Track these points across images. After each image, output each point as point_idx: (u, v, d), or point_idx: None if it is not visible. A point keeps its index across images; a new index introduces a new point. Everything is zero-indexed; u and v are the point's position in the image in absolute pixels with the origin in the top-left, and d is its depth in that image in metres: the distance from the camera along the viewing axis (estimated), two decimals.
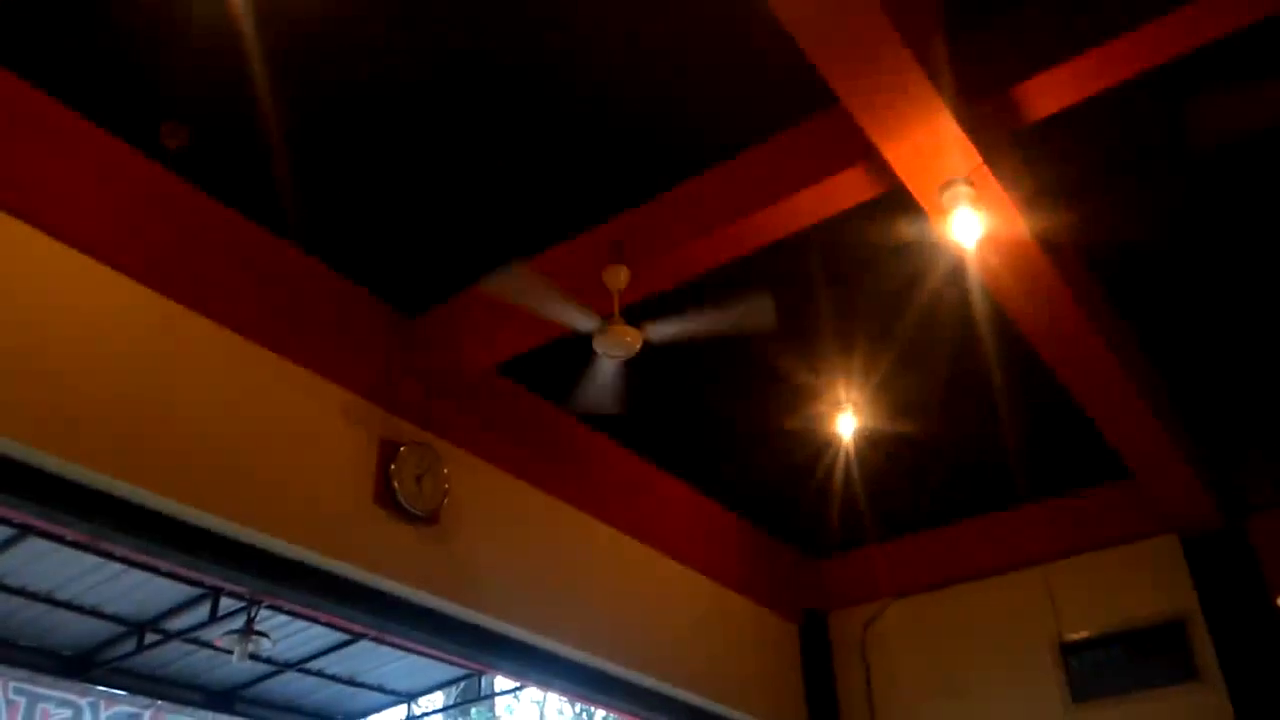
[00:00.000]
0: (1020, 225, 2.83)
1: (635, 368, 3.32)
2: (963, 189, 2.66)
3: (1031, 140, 2.84)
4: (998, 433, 4.17)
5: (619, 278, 3.02)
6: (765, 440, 4.28)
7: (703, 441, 4.37)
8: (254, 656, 6.15)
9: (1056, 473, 4.50)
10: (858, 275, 3.40)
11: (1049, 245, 2.94)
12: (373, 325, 3.38)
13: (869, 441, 4.19)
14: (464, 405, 3.61)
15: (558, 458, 4.00)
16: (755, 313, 2.98)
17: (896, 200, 2.87)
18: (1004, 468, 4.45)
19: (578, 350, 3.17)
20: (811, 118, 2.84)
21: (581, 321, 3.03)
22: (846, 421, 3.97)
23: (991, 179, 2.68)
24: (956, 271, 3.16)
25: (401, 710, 8.47)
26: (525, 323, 3.19)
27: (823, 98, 2.65)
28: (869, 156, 2.69)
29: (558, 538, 3.86)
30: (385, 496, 3.19)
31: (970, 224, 2.69)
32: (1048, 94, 2.57)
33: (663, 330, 2.96)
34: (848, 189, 2.81)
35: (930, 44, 2.43)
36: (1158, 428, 3.60)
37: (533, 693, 12.06)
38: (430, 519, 3.31)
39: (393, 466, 3.21)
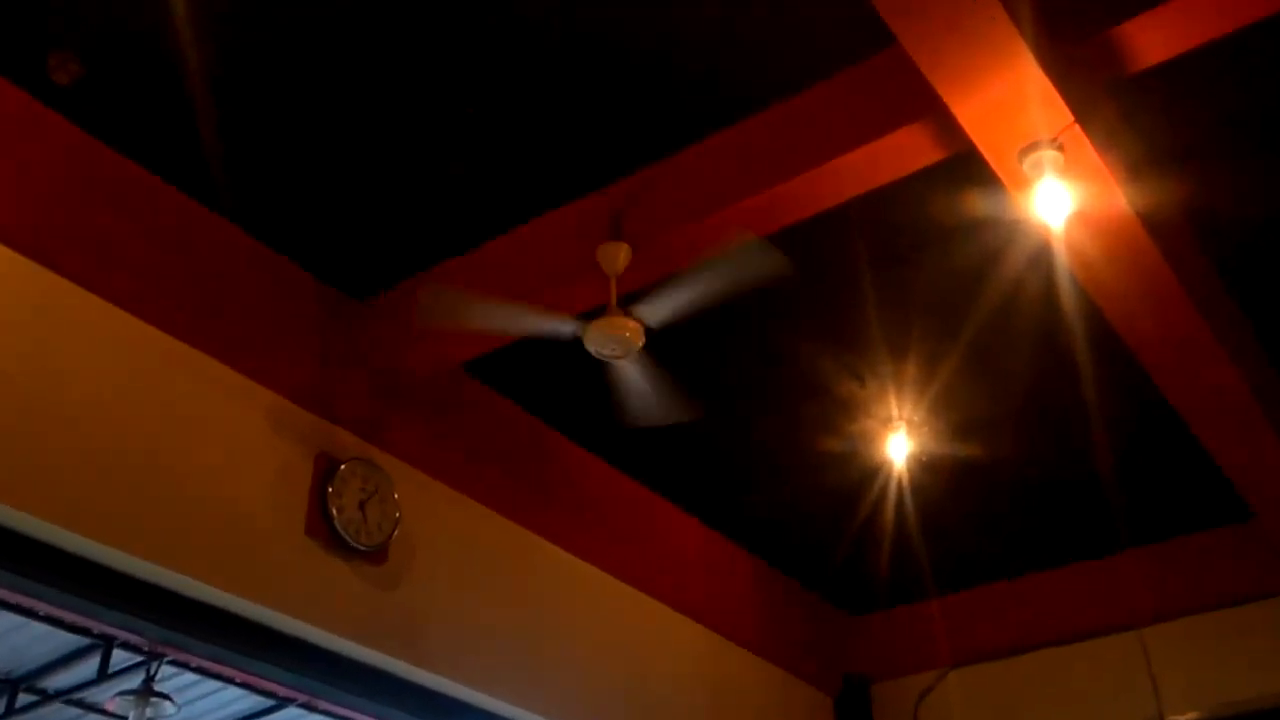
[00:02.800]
0: (1119, 199, 2.82)
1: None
2: (1049, 154, 2.66)
3: (1134, 95, 2.85)
4: (1086, 460, 4.17)
5: (617, 258, 3.01)
6: (796, 466, 4.28)
7: (718, 466, 4.37)
8: None
9: (1159, 511, 4.50)
10: (915, 260, 3.41)
11: (1155, 224, 2.94)
12: (310, 312, 3.39)
13: (926, 468, 4.18)
14: (421, 413, 3.62)
15: (538, 482, 4.01)
16: (759, 262, 2.93)
17: (965, 167, 2.87)
18: (1094, 504, 4.45)
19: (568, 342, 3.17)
20: (861, 63, 2.84)
21: (556, 327, 3.02)
22: (899, 443, 3.97)
23: (1085, 142, 2.67)
24: (1039, 257, 3.16)
25: None
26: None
27: (876, 37, 2.64)
28: (932, 111, 2.69)
29: (535, 582, 3.86)
30: (320, 526, 3.19)
31: (1058, 197, 2.68)
32: (1155, 38, 2.57)
33: (656, 310, 2.94)
34: (905, 152, 2.81)
35: None
36: None
37: None
38: (376, 555, 3.32)
39: (330, 489, 3.21)
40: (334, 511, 3.20)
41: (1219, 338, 3.25)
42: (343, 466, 3.27)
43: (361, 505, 3.27)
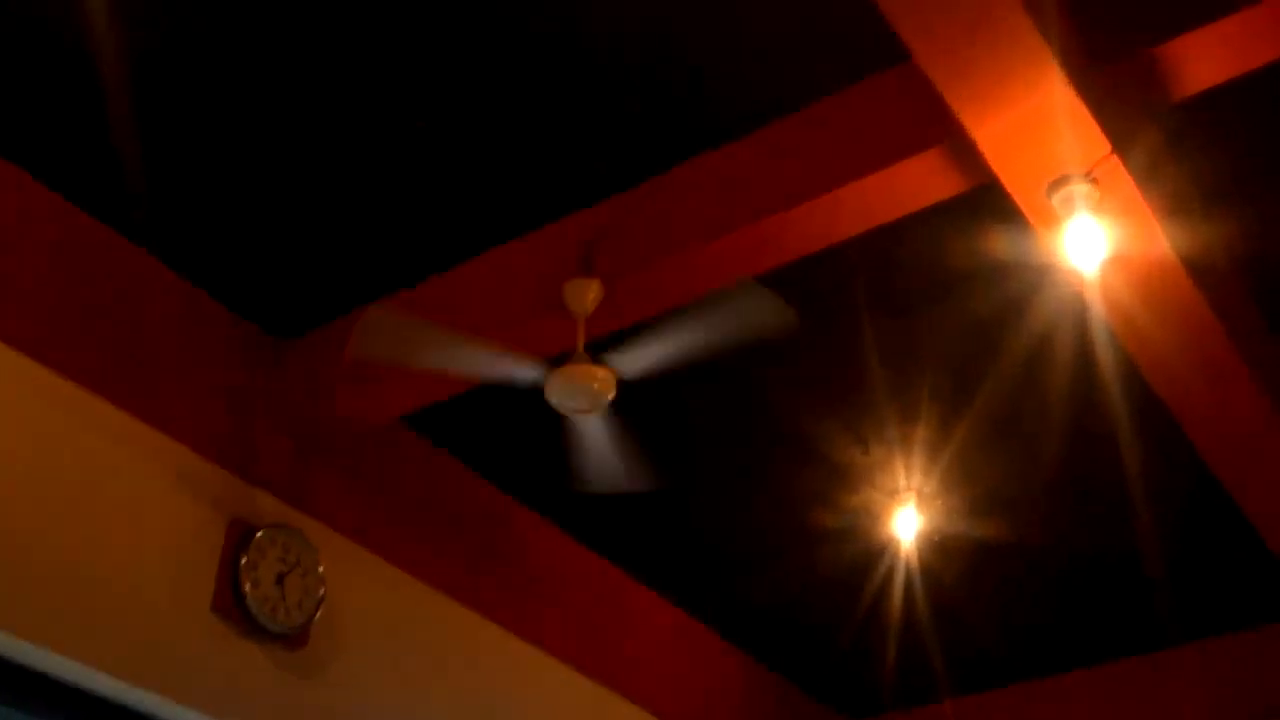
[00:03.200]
0: (1161, 241, 2.79)
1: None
2: (1081, 188, 2.63)
3: (1178, 122, 2.81)
4: (1127, 542, 4.12)
5: (587, 296, 2.97)
6: (789, 545, 4.24)
7: (699, 544, 4.33)
8: None
9: (1211, 603, 4.45)
10: (927, 309, 3.37)
11: (1201, 270, 2.90)
12: (225, 352, 3.36)
13: (939, 549, 4.14)
14: (353, 473, 3.58)
15: (488, 556, 3.96)
16: (761, 312, 2.91)
17: (986, 202, 2.84)
18: (1135, 593, 4.40)
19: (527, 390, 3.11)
20: (871, 79, 2.82)
21: (517, 371, 2.97)
22: (907, 519, 3.94)
23: (1124, 175, 2.64)
24: (1070, 306, 3.13)
25: None
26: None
27: (887, 51, 2.62)
28: (950, 137, 2.65)
29: (483, 675, 3.80)
30: (230, 603, 3.13)
31: (1092, 238, 2.64)
32: (1207, 59, 2.53)
33: (632, 360, 2.91)
34: (917, 183, 2.78)
35: None
36: None
37: None
38: (295, 639, 3.26)
39: (244, 559, 3.16)
40: (247, 587, 3.14)
41: (1277, 409, 3.22)
42: (259, 534, 3.21)
43: (280, 580, 3.23)
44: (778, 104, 2.90)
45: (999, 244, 3.03)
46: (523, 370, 2.95)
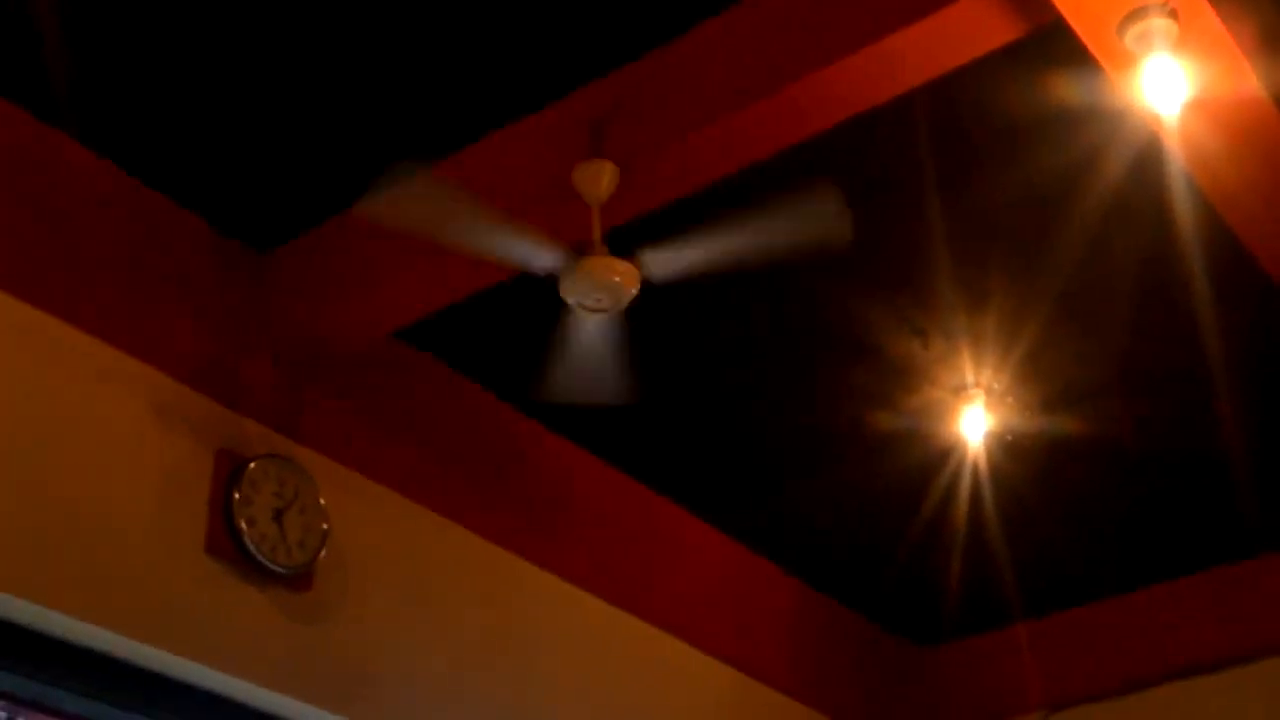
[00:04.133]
0: (1251, 80, 2.78)
1: (633, 327, 3.29)
2: (1159, 22, 2.60)
3: None
4: (1215, 438, 4.16)
5: (601, 181, 2.97)
6: (844, 451, 4.28)
7: (740, 456, 4.36)
8: None
9: None
10: (989, 173, 3.36)
11: None
12: (203, 269, 3.37)
13: (1011, 453, 4.16)
14: (350, 395, 3.60)
15: (508, 483, 4.00)
16: (817, 221, 2.93)
17: (1050, 46, 2.82)
18: (1225, 496, 4.43)
19: (537, 296, 3.14)
20: None
21: (537, 256, 3.00)
22: (975, 418, 3.95)
23: (1206, 5, 2.64)
24: (1148, 159, 3.11)
25: None
26: (442, 262, 3.17)
27: None
28: None
29: (508, 614, 3.86)
30: (225, 544, 3.17)
31: (1171, 79, 2.64)
32: None
33: (668, 261, 2.93)
34: (973, 27, 2.74)
35: None
36: None
37: None
38: (298, 580, 3.31)
39: (237, 495, 3.20)
40: (242, 525, 3.17)
41: None
42: (251, 466, 3.25)
43: (277, 516, 3.26)
44: None
45: (1067, 91, 3.01)
46: (541, 256, 2.95)
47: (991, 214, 3.48)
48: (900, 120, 3.15)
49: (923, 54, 2.81)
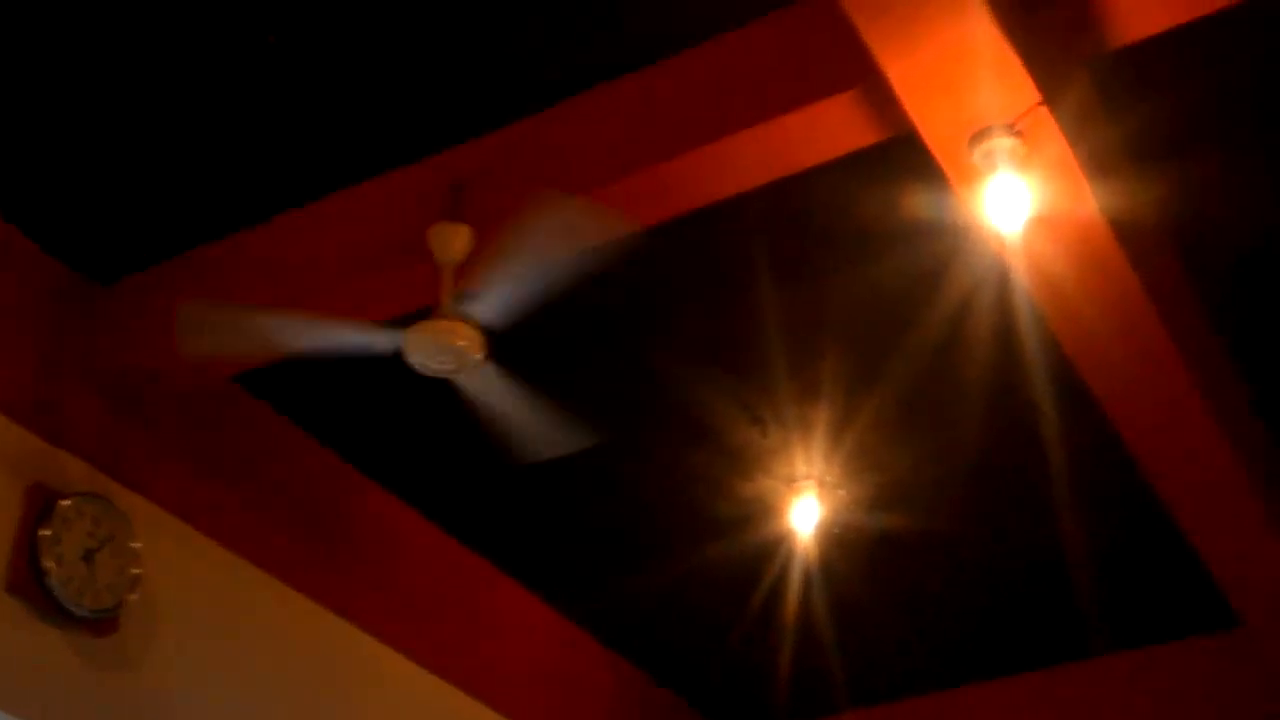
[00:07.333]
0: (1089, 202, 2.87)
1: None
2: (1005, 142, 2.69)
3: (1109, 76, 2.91)
4: (1050, 539, 4.21)
5: (455, 243, 2.98)
6: (678, 535, 4.29)
7: (572, 533, 4.35)
8: None
9: (1138, 609, 4.57)
10: (833, 273, 3.43)
11: (1130, 236, 2.99)
12: (31, 295, 3.31)
13: (842, 544, 4.21)
14: (176, 438, 3.55)
15: (329, 539, 3.95)
16: (597, 222, 2.95)
17: (902, 156, 2.89)
18: (1057, 596, 4.49)
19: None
20: (782, 11, 2.86)
21: (373, 341, 2.97)
22: (806, 509, 3.99)
23: (1052, 128, 2.71)
24: (991, 273, 3.19)
25: None
26: (291, 310, 3.09)
27: None
28: (867, 81, 2.72)
29: (318, 671, 3.81)
30: (28, 582, 3.11)
31: (1015, 197, 2.71)
32: (1142, 6, 2.62)
33: (493, 300, 2.91)
34: (829, 130, 2.83)
35: None
36: None
37: None
38: (103, 624, 3.25)
39: (45, 532, 3.14)
40: (49, 564, 3.11)
41: (1205, 393, 3.34)
42: (64, 503, 3.19)
43: (88, 556, 3.21)
44: (677, 36, 2.94)
45: (915, 202, 3.09)
46: (374, 338, 2.95)
47: (839, 312, 3.53)
48: (756, 213, 3.20)
49: (777, 151, 2.87)
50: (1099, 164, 2.90)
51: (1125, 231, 3.00)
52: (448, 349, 2.92)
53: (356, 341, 2.99)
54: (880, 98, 2.74)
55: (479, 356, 2.93)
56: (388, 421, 3.87)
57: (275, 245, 3.28)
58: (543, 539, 4.40)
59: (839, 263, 3.41)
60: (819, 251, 3.40)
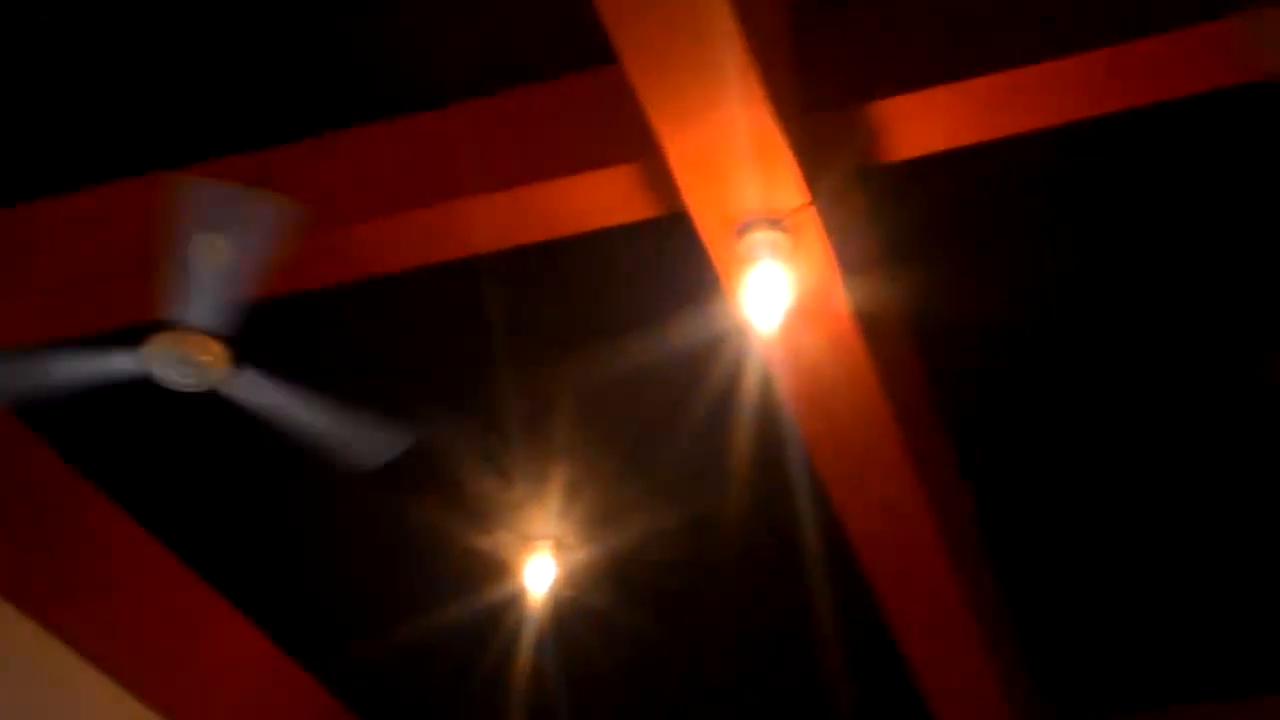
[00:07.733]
0: (843, 299, 2.95)
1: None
2: (768, 235, 2.76)
3: (870, 181, 3.03)
4: (790, 612, 4.27)
5: (214, 255, 2.85)
6: (407, 584, 4.24)
7: (298, 572, 4.28)
8: None
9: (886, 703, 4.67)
10: (599, 335, 3.45)
11: (876, 332, 3.11)
12: None
13: (580, 610, 4.22)
14: None
15: (40, 546, 3.81)
16: (373, 443, 3.07)
17: (684, 230, 2.91)
18: (797, 668, 4.56)
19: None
20: (580, 74, 2.90)
21: (108, 365, 2.89)
22: (541, 569, 3.98)
23: (817, 227, 2.79)
24: (751, 357, 3.23)
25: None
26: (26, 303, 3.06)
27: (600, 48, 2.65)
28: (647, 157, 2.75)
29: (10, 679, 3.68)
30: None
31: (777, 287, 2.77)
32: (926, 123, 2.75)
33: (257, 389, 2.92)
34: (606, 199, 2.88)
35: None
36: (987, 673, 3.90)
37: None
38: None
39: None
40: None
41: (935, 513, 3.48)
42: None
43: None
44: (471, 84, 2.95)
45: (687, 280, 3.12)
46: (112, 362, 2.86)
47: (599, 377, 3.53)
48: (529, 269, 3.23)
49: (547, 212, 2.90)
50: (854, 263, 2.98)
51: (872, 326, 3.08)
52: (190, 363, 2.83)
53: (97, 366, 2.89)
54: (658, 176, 2.77)
55: (226, 369, 2.87)
56: (129, 435, 3.76)
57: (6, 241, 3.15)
58: (269, 572, 4.30)
59: (607, 328, 3.42)
60: (590, 315, 3.43)
